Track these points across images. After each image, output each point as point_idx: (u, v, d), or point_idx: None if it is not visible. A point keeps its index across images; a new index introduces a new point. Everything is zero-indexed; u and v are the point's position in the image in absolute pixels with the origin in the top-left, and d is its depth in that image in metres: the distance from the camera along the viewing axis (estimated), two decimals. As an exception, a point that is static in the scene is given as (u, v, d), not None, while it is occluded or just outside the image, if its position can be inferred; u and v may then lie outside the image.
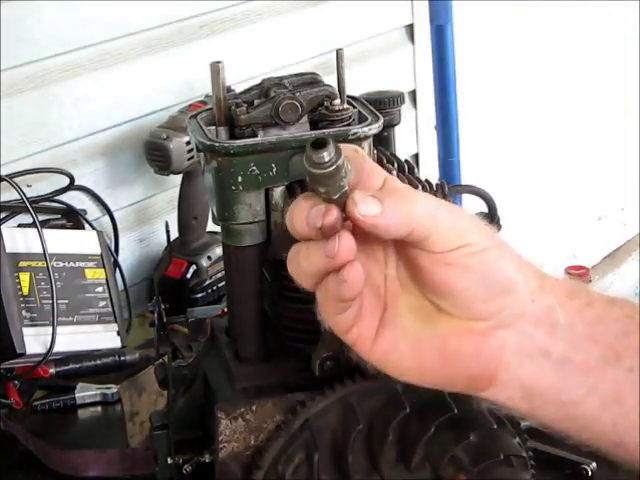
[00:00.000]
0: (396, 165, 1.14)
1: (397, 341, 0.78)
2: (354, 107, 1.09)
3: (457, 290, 0.76)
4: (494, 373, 0.78)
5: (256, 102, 1.07)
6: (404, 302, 0.78)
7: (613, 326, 0.79)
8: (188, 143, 1.78)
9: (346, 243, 0.73)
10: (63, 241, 1.60)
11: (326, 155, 0.69)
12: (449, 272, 0.75)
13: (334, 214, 0.72)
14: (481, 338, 0.77)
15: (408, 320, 0.78)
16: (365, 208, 0.72)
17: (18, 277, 1.51)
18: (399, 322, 0.78)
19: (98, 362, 1.59)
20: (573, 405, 0.79)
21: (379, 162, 1.09)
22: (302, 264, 0.75)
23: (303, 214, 0.73)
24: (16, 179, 1.63)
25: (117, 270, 1.83)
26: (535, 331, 0.78)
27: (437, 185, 1.07)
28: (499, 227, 1.10)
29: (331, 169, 0.70)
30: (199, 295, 1.87)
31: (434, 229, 0.74)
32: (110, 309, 1.61)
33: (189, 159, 1.80)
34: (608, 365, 0.78)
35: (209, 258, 1.89)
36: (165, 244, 1.88)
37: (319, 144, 0.70)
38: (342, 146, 0.71)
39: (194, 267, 1.87)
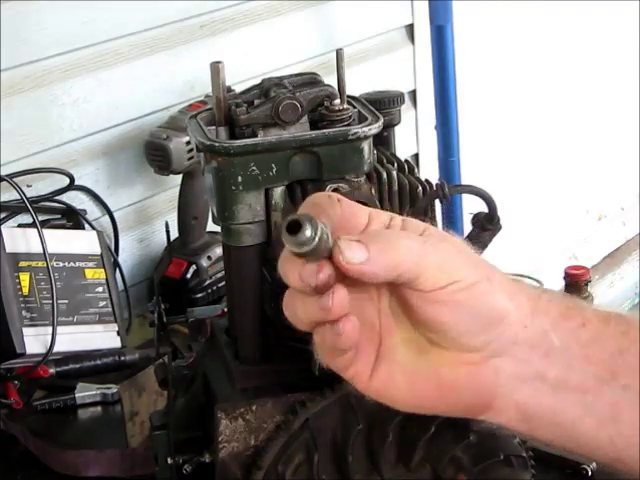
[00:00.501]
0: (396, 165, 1.14)
1: (393, 374, 0.78)
2: (354, 107, 1.09)
3: (448, 326, 0.75)
4: (490, 399, 0.78)
5: (256, 102, 1.07)
6: (398, 335, 0.78)
7: (608, 344, 0.79)
8: (188, 143, 1.78)
9: (340, 298, 0.72)
10: (63, 241, 1.60)
11: (306, 234, 0.67)
12: (439, 309, 0.75)
13: (327, 272, 0.72)
14: (475, 368, 0.77)
15: (403, 353, 0.78)
16: (351, 256, 0.72)
17: (18, 277, 1.51)
18: (394, 355, 0.78)
19: (98, 362, 1.59)
20: (570, 425, 0.79)
21: (379, 162, 1.09)
22: (298, 312, 0.76)
23: (296, 270, 0.73)
24: (16, 179, 1.63)
25: (117, 270, 1.83)
26: (530, 356, 0.78)
27: (437, 185, 1.07)
28: (499, 227, 1.10)
29: (314, 244, 0.68)
30: (199, 295, 1.87)
31: (421, 271, 0.73)
32: (110, 309, 1.61)
33: (189, 159, 1.80)
34: (604, 384, 0.78)
35: (209, 258, 1.89)
36: (165, 244, 1.88)
37: (294, 227, 0.68)
38: (314, 197, 0.70)
39: (194, 267, 1.87)
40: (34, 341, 1.49)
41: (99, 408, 1.59)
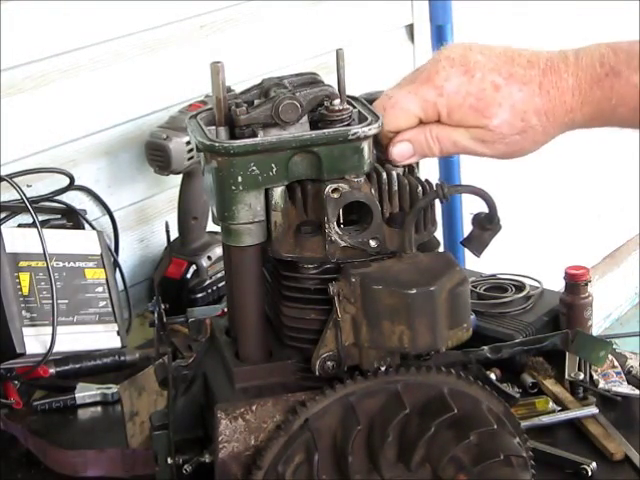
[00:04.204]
0: (396, 165, 1.14)
1: None
2: (354, 107, 1.09)
3: None
4: None
5: (256, 102, 1.07)
6: None
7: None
8: (188, 143, 1.78)
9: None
10: (63, 241, 1.60)
11: None
12: None
13: None
14: None
15: None
16: None
17: (18, 277, 1.51)
18: None
19: (98, 362, 1.60)
20: None
21: (379, 162, 1.09)
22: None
23: None
24: (16, 179, 1.63)
25: (117, 270, 1.83)
26: None
27: (437, 185, 1.07)
28: (499, 227, 1.10)
29: None
30: (199, 295, 1.87)
31: None
32: (110, 309, 1.61)
33: (189, 159, 1.80)
34: None
35: (209, 258, 1.89)
36: (165, 244, 1.88)
37: None
38: None
39: (194, 267, 1.88)
40: (34, 341, 1.49)
41: (99, 408, 1.59)
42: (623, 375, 1.52)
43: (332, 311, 1.04)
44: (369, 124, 1.05)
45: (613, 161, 3.27)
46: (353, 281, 1.02)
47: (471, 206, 1.14)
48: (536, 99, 1.05)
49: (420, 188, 1.08)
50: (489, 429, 1.03)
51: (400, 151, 1.09)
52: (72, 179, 1.80)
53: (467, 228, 1.12)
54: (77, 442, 1.49)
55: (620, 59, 1.04)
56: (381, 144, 1.09)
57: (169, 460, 1.13)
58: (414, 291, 1.00)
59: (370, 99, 1.12)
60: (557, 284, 1.67)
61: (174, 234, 1.87)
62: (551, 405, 1.46)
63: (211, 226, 1.84)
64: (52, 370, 1.56)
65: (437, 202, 1.08)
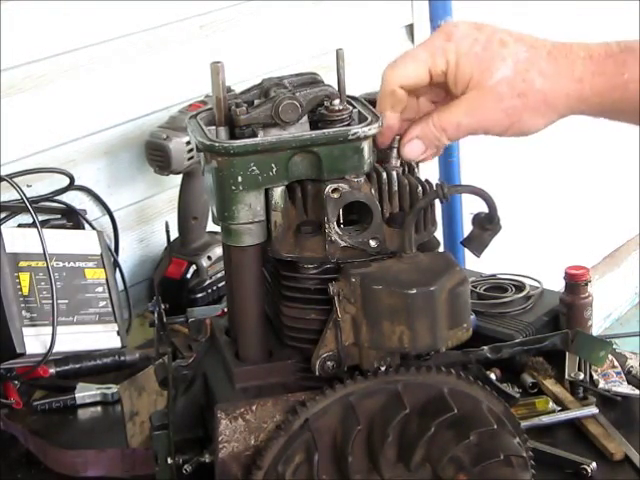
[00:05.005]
0: (396, 165, 1.14)
1: None
2: (354, 107, 1.09)
3: None
4: None
5: (256, 102, 1.07)
6: None
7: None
8: (188, 143, 1.78)
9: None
10: (63, 241, 1.60)
11: None
12: None
13: None
14: None
15: None
16: None
17: (18, 277, 1.51)
18: None
19: (98, 362, 1.59)
20: None
21: (379, 162, 1.09)
22: None
23: None
24: (16, 179, 1.63)
25: (117, 270, 1.83)
26: None
27: (437, 185, 1.07)
28: (499, 227, 1.10)
29: None
30: (199, 295, 1.87)
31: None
32: (110, 309, 1.61)
33: (189, 159, 1.80)
34: None
35: (209, 258, 1.89)
36: (165, 244, 1.88)
37: None
38: None
39: (194, 267, 1.88)
40: (34, 341, 1.49)
41: (99, 408, 1.59)
42: (623, 375, 1.52)
43: (332, 311, 1.04)
44: (369, 124, 1.05)
45: (613, 161, 3.27)
46: (353, 281, 1.02)
47: (471, 206, 1.14)
48: (542, 62, 1.05)
49: (420, 188, 1.08)
50: (489, 429, 1.03)
51: (411, 149, 1.09)
52: (72, 179, 1.80)
53: (467, 228, 1.12)
54: (77, 442, 1.49)
55: (635, 40, 1.05)
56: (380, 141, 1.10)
57: (169, 460, 1.13)
58: (414, 291, 1.00)
59: (370, 99, 1.12)
60: (557, 284, 1.67)
61: (174, 234, 1.87)
62: (551, 405, 1.46)
63: (211, 226, 1.84)
64: (52, 370, 1.56)
65: (437, 202, 1.08)
